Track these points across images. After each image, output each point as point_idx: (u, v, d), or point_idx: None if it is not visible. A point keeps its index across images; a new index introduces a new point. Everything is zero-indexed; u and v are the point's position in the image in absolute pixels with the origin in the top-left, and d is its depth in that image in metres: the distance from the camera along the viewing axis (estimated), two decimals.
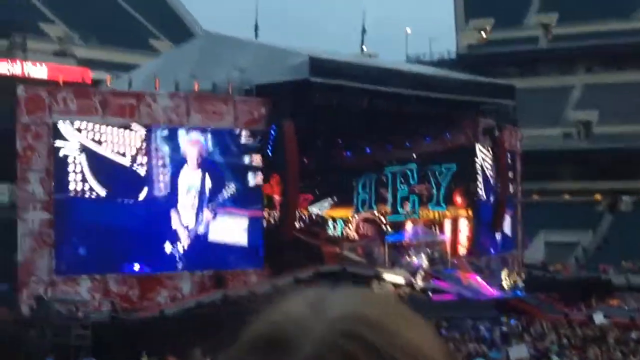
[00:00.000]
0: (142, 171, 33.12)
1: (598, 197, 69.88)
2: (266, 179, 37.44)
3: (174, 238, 33.58)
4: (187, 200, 34.22)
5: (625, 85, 72.95)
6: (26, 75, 38.00)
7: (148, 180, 33.27)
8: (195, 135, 34.36)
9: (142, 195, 32.96)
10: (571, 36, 76.26)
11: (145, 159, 33.15)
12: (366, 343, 1.11)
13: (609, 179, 68.06)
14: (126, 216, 32.37)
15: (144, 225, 32.68)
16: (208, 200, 34.63)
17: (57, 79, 35.26)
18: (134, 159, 32.97)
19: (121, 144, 32.70)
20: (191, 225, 34.07)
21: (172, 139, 33.85)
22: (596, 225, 67.43)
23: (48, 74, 39.66)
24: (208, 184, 34.73)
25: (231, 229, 35.02)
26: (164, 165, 33.73)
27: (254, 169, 35.78)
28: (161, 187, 33.60)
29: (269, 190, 40.82)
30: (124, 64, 58.08)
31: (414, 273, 38.56)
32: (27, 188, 30.88)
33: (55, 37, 63.24)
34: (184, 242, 33.77)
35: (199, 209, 34.42)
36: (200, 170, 34.64)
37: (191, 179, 34.50)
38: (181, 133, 34.13)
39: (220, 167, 35.11)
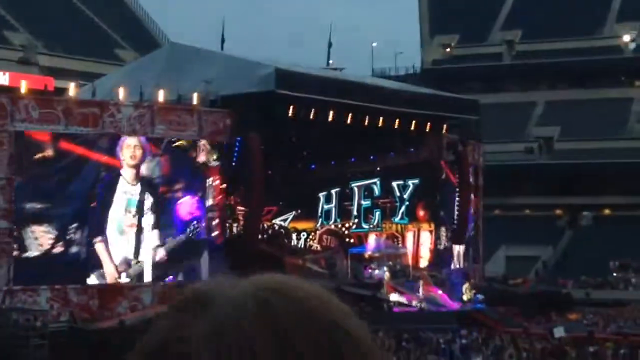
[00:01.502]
0: None
1: (559, 212, 70.65)
2: (231, 191, 37.40)
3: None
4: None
5: (587, 102, 73.93)
6: None
7: None
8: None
9: None
10: (534, 53, 77.17)
11: None
12: (279, 294, 1.31)
13: (569, 194, 68.87)
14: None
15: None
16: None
17: (19, 87, 34.97)
18: None
19: None
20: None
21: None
22: (556, 240, 68.14)
23: (10, 82, 39.33)
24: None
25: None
26: None
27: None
28: None
29: (233, 202, 40.81)
30: (88, 73, 57.71)
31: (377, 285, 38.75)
32: None
33: (19, 45, 62.76)
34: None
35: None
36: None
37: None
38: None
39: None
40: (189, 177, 35.14)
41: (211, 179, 35.55)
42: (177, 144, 34.67)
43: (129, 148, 33.42)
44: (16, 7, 67.33)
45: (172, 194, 34.55)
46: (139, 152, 33.74)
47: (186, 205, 34.89)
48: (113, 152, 33.00)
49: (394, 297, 38.23)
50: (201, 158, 35.12)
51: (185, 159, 34.89)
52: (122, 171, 33.32)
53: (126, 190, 33.35)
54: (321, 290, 1.33)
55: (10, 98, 31.52)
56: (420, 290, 39.70)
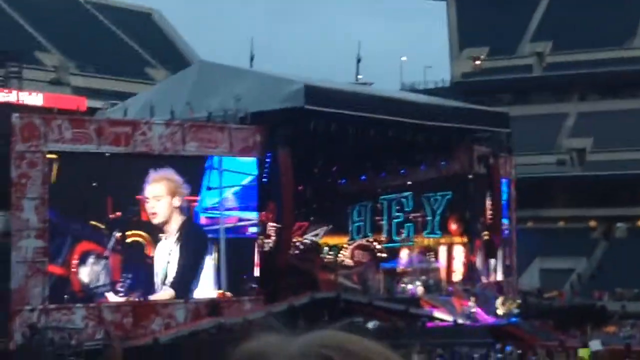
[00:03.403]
0: None
1: (592, 223, 69.97)
2: (262, 206, 37.46)
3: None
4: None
5: (619, 112, 73.27)
6: (21, 103, 38.12)
7: None
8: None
9: None
10: (565, 64, 76.65)
11: None
12: (342, 351, 1.31)
13: (603, 205, 68.17)
14: None
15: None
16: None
17: (52, 107, 35.36)
18: None
19: None
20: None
21: None
22: (591, 252, 67.46)
23: (43, 102, 39.79)
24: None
25: None
26: None
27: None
28: None
29: (264, 218, 40.85)
30: (119, 93, 58.20)
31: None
32: (22, 216, 30.86)
33: (51, 66, 63.41)
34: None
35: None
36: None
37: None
38: None
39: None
40: None
41: None
42: None
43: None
44: (47, 29, 68.09)
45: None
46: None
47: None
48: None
49: (427, 311, 38.01)
50: None
51: None
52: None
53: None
54: (382, 349, 1.31)
55: (43, 119, 31.82)
56: (454, 304, 39.45)
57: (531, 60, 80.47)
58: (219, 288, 34.34)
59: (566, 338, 36.35)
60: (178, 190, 33.64)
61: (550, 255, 63.76)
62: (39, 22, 68.53)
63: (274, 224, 40.69)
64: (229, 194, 35.19)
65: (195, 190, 34.44)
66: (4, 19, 67.10)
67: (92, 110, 42.51)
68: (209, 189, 34.77)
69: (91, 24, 74.51)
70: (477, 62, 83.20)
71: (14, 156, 30.97)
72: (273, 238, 40.82)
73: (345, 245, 47.74)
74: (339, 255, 47.46)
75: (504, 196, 46.94)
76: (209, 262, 34.01)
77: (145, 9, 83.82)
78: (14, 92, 39.02)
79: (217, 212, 34.63)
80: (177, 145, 33.84)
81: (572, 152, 72.50)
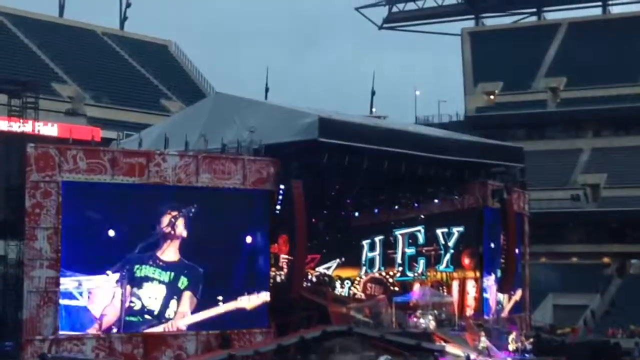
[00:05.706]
0: None
1: (606, 260, 69.63)
2: (274, 239, 37.42)
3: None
4: None
5: (633, 148, 73.27)
6: (37, 133, 38.34)
7: None
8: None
9: None
10: (579, 100, 76.81)
11: None
12: None
13: (617, 242, 67.94)
14: None
15: None
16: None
17: (67, 138, 35.54)
18: None
19: None
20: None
21: None
22: (605, 289, 67.07)
23: (58, 133, 40.06)
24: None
25: None
26: None
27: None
28: None
29: (277, 250, 40.82)
30: (134, 124, 58.59)
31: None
32: (35, 245, 30.94)
33: (67, 97, 63.90)
34: None
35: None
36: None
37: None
38: None
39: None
40: None
41: None
42: None
43: None
44: (64, 60, 68.77)
45: None
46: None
47: None
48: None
49: (439, 346, 37.76)
50: None
51: None
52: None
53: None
54: None
55: (58, 149, 31.97)
56: (466, 339, 39.19)
57: (545, 95, 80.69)
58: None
59: None
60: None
61: (564, 291, 63.47)
62: (56, 54, 69.24)
63: (287, 256, 40.61)
64: None
65: None
66: (21, 50, 67.84)
67: (106, 141, 42.72)
68: None
69: (107, 55, 75.22)
70: (492, 97, 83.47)
71: (29, 186, 31.09)
72: (285, 270, 40.74)
73: (357, 279, 47.64)
74: (351, 288, 47.36)
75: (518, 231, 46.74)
76: None
77: (161, 40, 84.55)
78: (30, 123, 39.26)
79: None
80: (190, 177, 33.92)
81: (586, 187, 72.42)
